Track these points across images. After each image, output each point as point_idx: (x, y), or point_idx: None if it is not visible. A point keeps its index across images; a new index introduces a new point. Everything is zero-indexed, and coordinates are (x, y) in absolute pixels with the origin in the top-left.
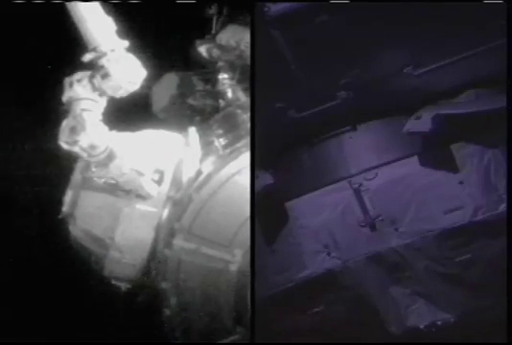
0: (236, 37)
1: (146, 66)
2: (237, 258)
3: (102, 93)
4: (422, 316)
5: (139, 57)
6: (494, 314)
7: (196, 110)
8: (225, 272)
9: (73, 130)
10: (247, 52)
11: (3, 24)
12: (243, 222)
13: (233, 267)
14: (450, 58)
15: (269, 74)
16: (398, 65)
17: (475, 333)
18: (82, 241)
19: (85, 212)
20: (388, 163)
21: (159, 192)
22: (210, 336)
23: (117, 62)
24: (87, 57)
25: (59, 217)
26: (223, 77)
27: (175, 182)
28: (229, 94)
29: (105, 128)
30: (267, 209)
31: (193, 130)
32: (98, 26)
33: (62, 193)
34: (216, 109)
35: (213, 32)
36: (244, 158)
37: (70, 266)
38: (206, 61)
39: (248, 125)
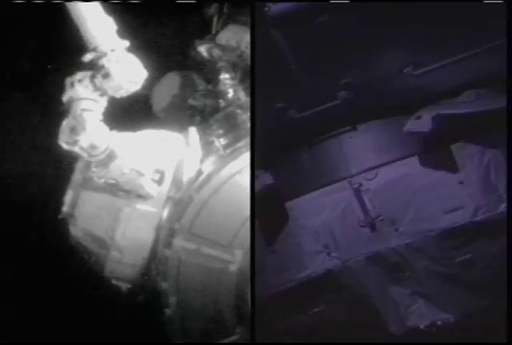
0: (236, 37)
1: (146, 66)
2: (237, 258)
3: (102, 93)
4: (422, 316)
5: (140, 58)
6: (494, 314)
7: (196, 110)
8: (225, 272)
9: (73, 130)
10: (248, 52)
11: (3, 24)
12: (243, 222)
13: (233, 267)
14: (450, 58)
15: (269, 74)
16: (398, 65)
17: (475, 333)
18: (83, 241)
19: (86, 212)
20: (388, 163)
21: (159, 192)
22: (210, 336)
23: (118, 62)
24: (88, 57)
25: (59, 217)
26: (225, 77)
27: (176, 182)
28: (230, 94)
29: (106, 128)
30: (267, 209)
31: (193, 130)
32: (98, 26)
33: (62, 193)
34: (216, 109)
35: (213, 32)
36: (245, 158)
37: (70, 266)
38: (207, 61)
39: (248, 125)
